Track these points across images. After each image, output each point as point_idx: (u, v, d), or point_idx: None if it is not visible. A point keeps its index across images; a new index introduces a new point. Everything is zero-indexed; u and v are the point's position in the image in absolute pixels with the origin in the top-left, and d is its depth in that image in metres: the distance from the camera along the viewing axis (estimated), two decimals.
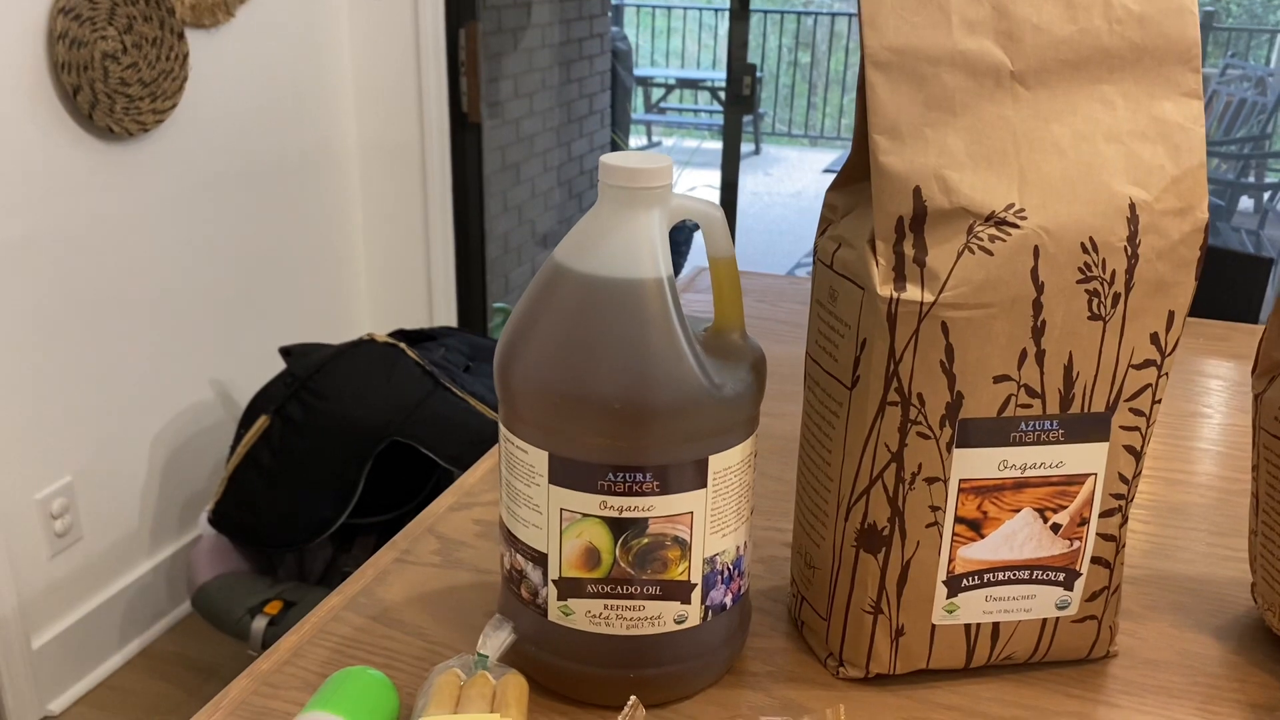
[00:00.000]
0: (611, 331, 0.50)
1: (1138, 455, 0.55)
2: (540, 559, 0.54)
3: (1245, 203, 5.31)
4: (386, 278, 2.61)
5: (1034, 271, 0.50)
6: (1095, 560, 0.56)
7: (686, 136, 7.43)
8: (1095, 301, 0.51)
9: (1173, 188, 0.52)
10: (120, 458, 1.98)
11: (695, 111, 7.61)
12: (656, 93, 7.57)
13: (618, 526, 0.51)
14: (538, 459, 0.52)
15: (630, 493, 0.51)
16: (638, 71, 7.57)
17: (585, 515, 0.51)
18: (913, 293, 0.50)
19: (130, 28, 1.79)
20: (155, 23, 1.84)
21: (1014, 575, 0.56)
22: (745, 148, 7.23)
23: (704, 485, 0.52)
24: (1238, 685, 0.59)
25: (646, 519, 0.51)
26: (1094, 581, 0.57)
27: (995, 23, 0.51)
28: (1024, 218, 0.50)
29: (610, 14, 4.28)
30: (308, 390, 1.80)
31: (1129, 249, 0.51)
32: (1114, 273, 0.51)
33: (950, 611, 0.56)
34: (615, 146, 4.53)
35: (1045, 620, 0.57)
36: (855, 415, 0.53)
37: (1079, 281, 0.51)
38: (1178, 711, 0.56)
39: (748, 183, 6.03)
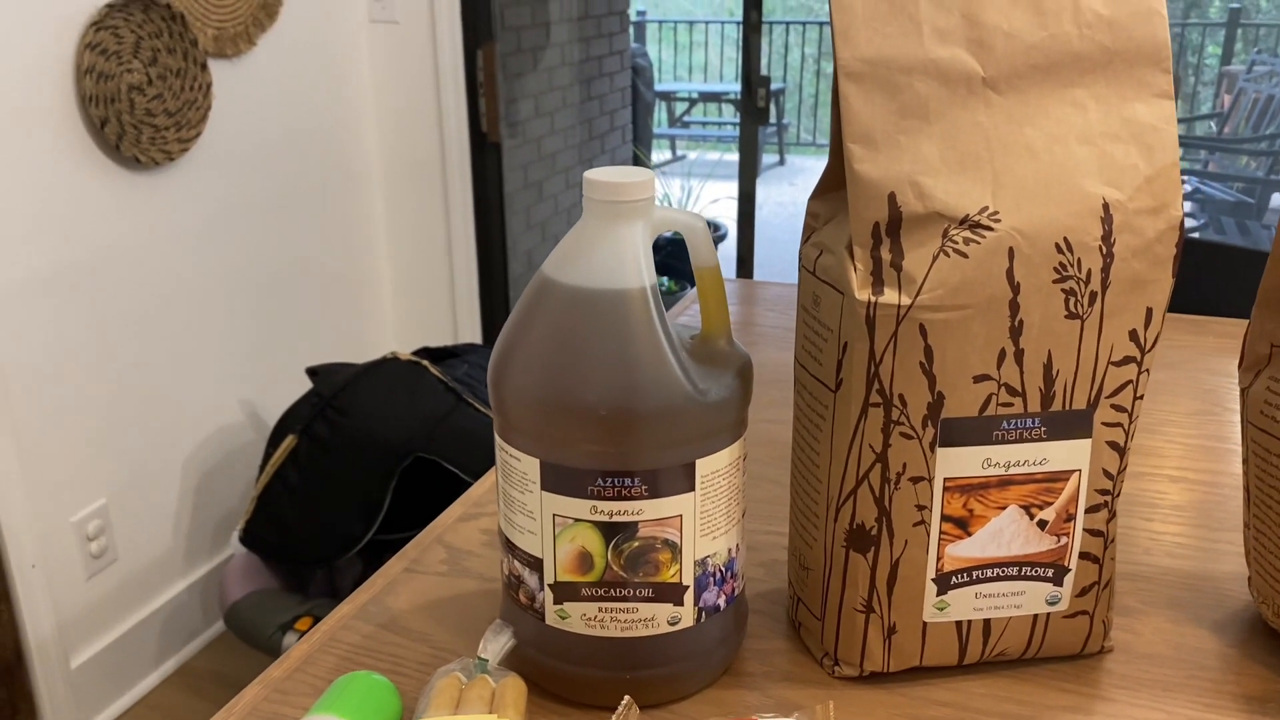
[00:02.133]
0: (597, 340, 0.52)
1: (1121, 451, 0.56)
2: (536, 564, 0.55)
3: (1277, 199, 5.24)
4: (411, 297, 2.64)
5: (1009, 272, 0.52)
6: (1084, 556, 0.57)
7: (710, 149, 7.46)
8: (1072, 300, 0.52)
9: (1146, 187, 0.53)
10: (153, 480, 2.02)
11: (719, 124, 7.63)
12: (680, 107, 7.60)
13: (609, 530, 0.53)
14: (530, 466, 0.53)
15: (619, 497, 0.52)
16: (661, 86, 7.61)
17: (577, 520, 0.53)
18: (890, 296, 0.52)
19: (155, 60, 1.84)
20: (179, 54, 1.89)
21: (1003, 572, 0.57)
22: (769, 159, 7.24)
23: (692, 489, 0.53)
24: (1234, 679, 0.59)
25: (636, 523, 0.53)
26: (1084, 577, 0.58)
27: (966, 31, 0.52)
28: (998, 220, 0.51)
29: (630, 31, 4.32)
30: (333, 409, 1.83)
31: (1104, 248, 0.52)
32: (1090, 272, 0.52)
33: (941, 609, 0.57)
34: (637, 161, 4.56)
35: (1036, 616, 0.58)
36: (840, 417, 0.55)
37: (1055, 281, 0.52)
38: (1172, 705, 0.57)
39: (772, 193, 6.04)
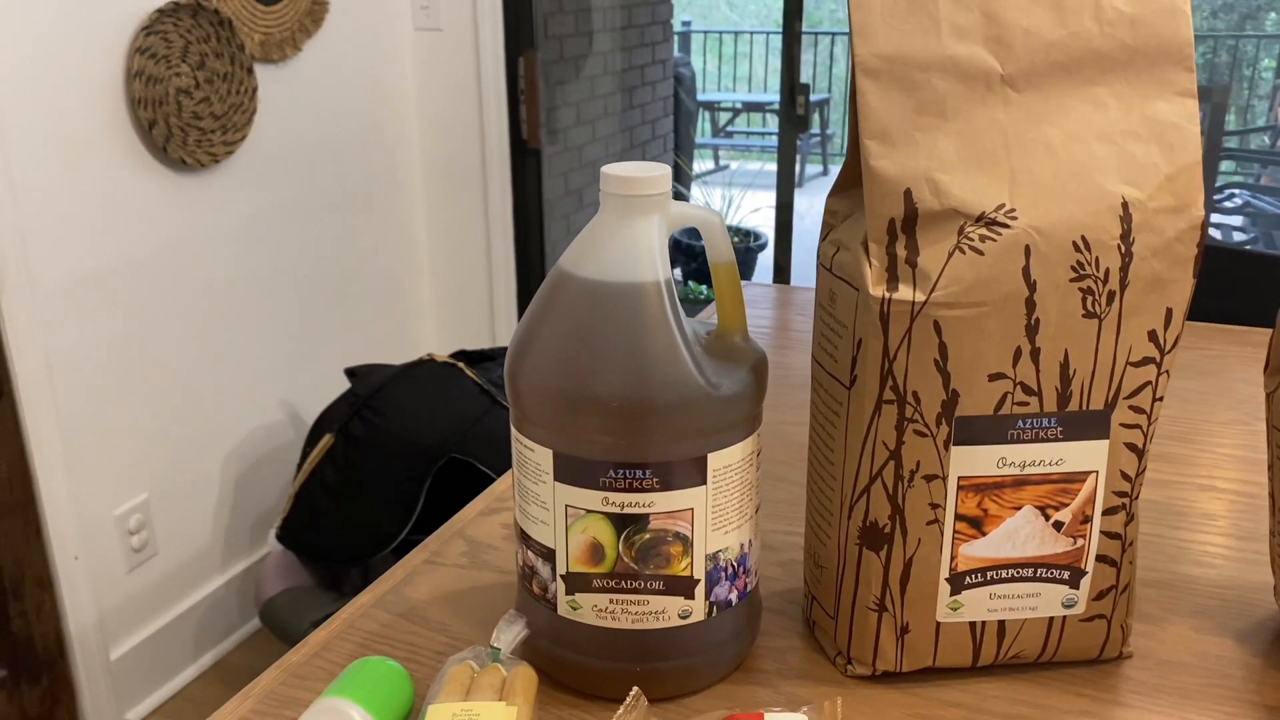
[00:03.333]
0: (611, 333, 0.52)
1: (1140, 453, 0.55)
2: (549, 555, 0.56)
3: None
4: (450, 300, 2.67)
5: (1026, 270, 0.51)
6: (1101, 559, 0.57)
7: (752, 159, 7.45)
8: (1089, 299, 0.52)
9: (1167, 185, 0.52)
10: (194, 476, 2.05)
11: (761, 135, 7.62)
12: (723, 117, 7.61)
13: (620, 522, 0.53)
14: (544, 457, 0.54)
15: (631, 489, 0.53)
16: (705, 96, 7.62)
17: (589, 511, 0.53)
18: (905, 293, 0.51)
19: (203, 64, 1.88)
20: (226, 59, 1.92)
21: (1017, 573, 0.56)
22: (813, 169, 7.22)
23: (704, 482, 0.53)
24: (1255, 688, 0.58)
25: (648, 515, 0.53)
26: (1100, 580, 0.57)
27: (985, 28, 0.52)
28: (1014, 217, 0.51)
29: (674, 41, 4.33)
30: (369, 409, 1.85)
31: (1122, 247, 0.52)
32: (1108, 271, 0.52)
33: (954, 609, 0.57)
34: (678, 170, 4.56)
35: (1052, 619, 0.58)
36: (854, 414, 0.55)
37: (1072, 280, 0.52)
38: (1190, 712, 0.56)
39: (815, 203, 6.02)
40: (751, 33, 8.39)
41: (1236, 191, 4.18)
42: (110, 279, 1.81)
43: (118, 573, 1.92)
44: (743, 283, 1.28)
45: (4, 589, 1.71)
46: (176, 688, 2.06)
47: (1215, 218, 3.57)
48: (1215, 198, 3.59)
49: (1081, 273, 0.52)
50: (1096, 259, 0.52)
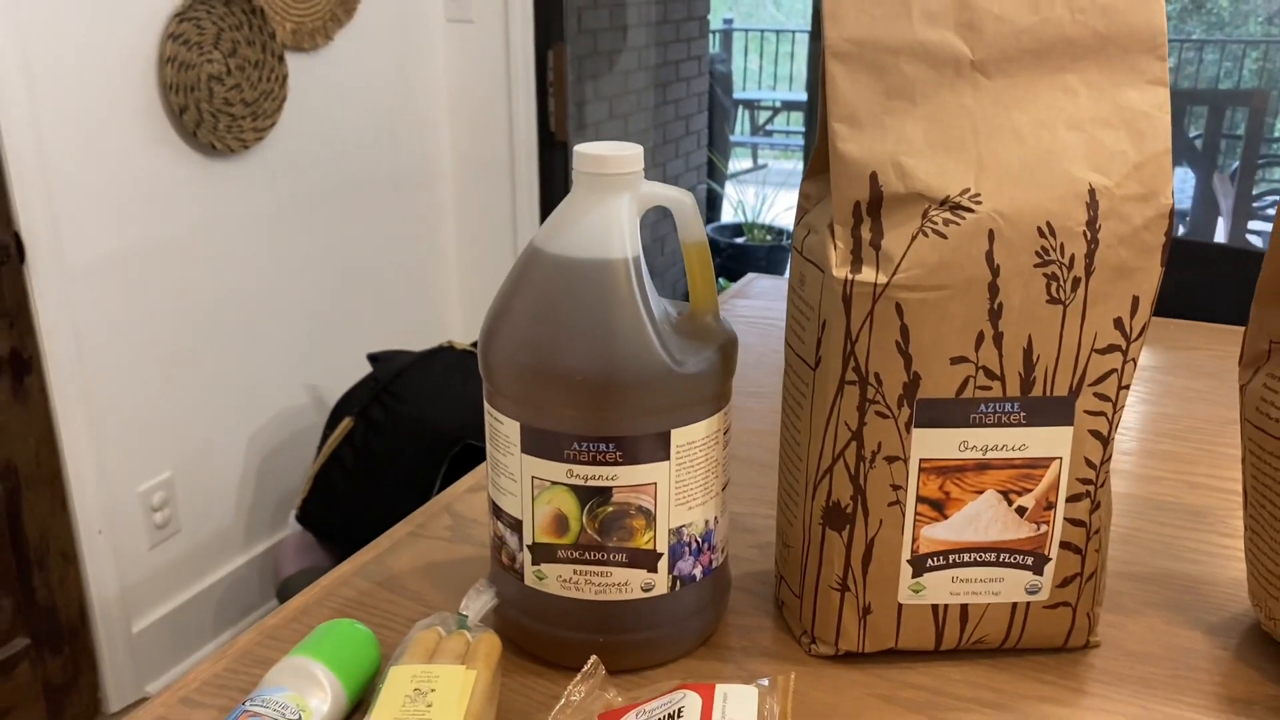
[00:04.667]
0: (579, 308, 0.53)
1: (1105, 440, 0.55)
2: (517, 525, 0.57)
3: None
4: (475, 289, 2.69)
5: (989, 255, 0.52)
6: (1065, 545, 0.57)
7: (791, 158, 7.43)
8: (1054, 285, 0.52)
9: (1135, 174, 0.52)
10: (217, 455, 2.09)
11: (801, 134, 7.59)
12: (763, 115, 7.59)
13: (584, 494, 0.54)
14: (511, 429, 0.55)
15: (595, 462, 0.54)
16: (745, 94, 7.60)
17: (554, 483, 0.54)
18: (867, 274, 0.52)
19: (235, 51, 1.91)
20: (258, 46, 1.95)
21: (980, 557, 0.56)
22: None
23: (667, 458, 0.54)
24: (1221, 680, 0.58)
25: (610, 488, 0.54)
26: (1065, 567, 0.57)
27: (956, 14, 0.53)
28: (979, 202, 0.51)
29: (712, 38, 4.33)
30: (389, 394, 1.87)
31: (1088, 234, 0.52)
32: (1073, 257, 0.52)
33: (916, 591, 0.57)
34: (712, 167, 4.56)
35: (1016, 605, 0.58)
36: (819, 395, 0.55)
37: (1036, 265, 0.52)
38: (1152, 702, 0.56)
39: None
40: (794, 32, 8.36)
41: (1276, 198, 4.11)
42: (139, 260, 1.85)
43: (140, 548, 1.96)
44: (767, 276, 1.29)
45: (29, 560, 1.76)
46: (195, 662, 2.09)
47: (1254, 224, 3.51)
48: (1255, 204, 3.54)
49: (1046, 258, 0.52)
50: (1061, 245, 0.52)
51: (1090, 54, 0.53)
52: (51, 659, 1.83)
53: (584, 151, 0.54)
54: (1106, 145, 0.52)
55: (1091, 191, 0.52)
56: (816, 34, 2.34)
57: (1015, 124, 0.52)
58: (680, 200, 0.56)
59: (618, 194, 0.54)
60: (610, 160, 0.54)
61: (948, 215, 0.51)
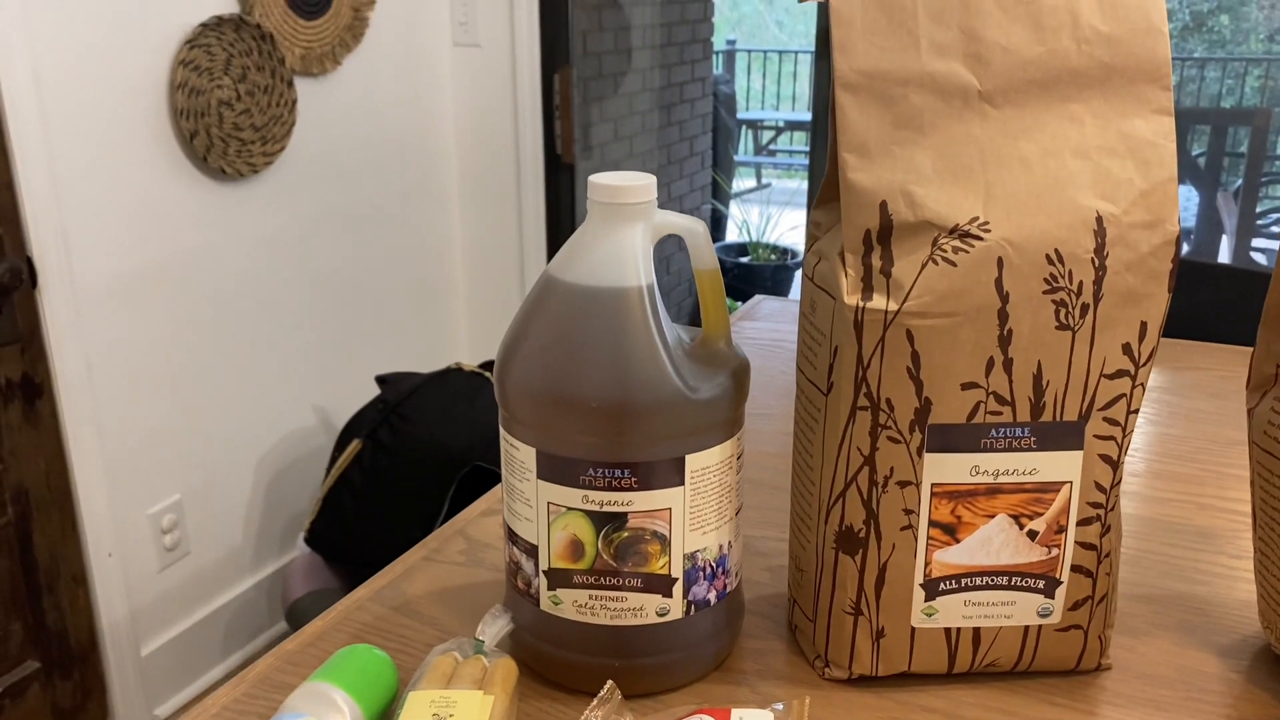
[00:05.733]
0: (594, 336, 0.54)
1: (1114, 465, 0.56)
2: (533, 551, 0.57)
3: None
4: (483, 311, 2.70)
5: (998, 282, 0.52)
6: (1076, 569, 0.57)
7: (793, 177, 7.46)
8: (1063, 312, 0.53)
9: (1141, 201, 0.53)
10: (227, 478, 2.10)
11: (804, 153, 7.63)
12: (766, 135, 7.62)
13: (599, 520, 0.55)
14: (528, 455, 0.56)
15: (610, 487, 0.54)
16: (749, 115, 7.64)
17: (570, 509, 0.55)
18: (878, 301, 0.53)
19: (244, 77, 1.93)
20: (267, 72, 1.97)
21: (992, 581, 0.57)
22: None
23: (681, 483, 0.55)
24: (1232, 703, 0.58)
25: (626, 513, 0.55)
26: (1076, 590, 0.58)
27: (964, 45, 0.53)
28: (988, 230, 0.52)
29: (715, 59, 4.36)
30: (397, 416, 1.88)
31: (1096, 261, 0.53)
32: (1081, 284, 0.53)
33: (929, 615, 0.58)
34: (716, 187, 4.58)
35: (1028, 628, 0.58)
36: (831, 420, 0.56)
37: (1045, 292, 0.53)
38: None
39: None
40: (797, 52, 8.40)
41: None
42: (149, 284, 1.86)
43: (150, 571, 1.96)
44: (774, 298, 1.30)
45: (39, 584, 1.76)
46: (204, 685, 2.10)
47: (1259, 242, 3.52)
48: (1259, 222, 3.54)
49: (1054, 285, 0.53)
50: (1070, 272, 0.53)
51: (1096, 84, 0.54)
52: (61, 682, 1.83)
53: (598, 182, 0.55)
54: (1113, 173, 0.53)
55: (1099, 219, 0.53)
56: (820, 54, 2.36)
57: (1023, 153, 0.53)
58: (693, 229, 0.57)
59: (631, 223, 0.55)
60: (624, 190, 0.54)
61: (957, 243, 0.52)
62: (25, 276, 1.65)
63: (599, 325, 0.54)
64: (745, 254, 4.77)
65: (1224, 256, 3.58)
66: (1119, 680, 0.60)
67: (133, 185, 1.80)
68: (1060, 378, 0.54)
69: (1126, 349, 0.54)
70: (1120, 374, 0.54)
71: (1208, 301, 1.36)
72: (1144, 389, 0.55)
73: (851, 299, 0.53)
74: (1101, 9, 0.53)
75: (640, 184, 0.55)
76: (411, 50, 2.40)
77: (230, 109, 1.92)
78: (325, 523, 1.93)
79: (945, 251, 0.52)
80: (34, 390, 1.70)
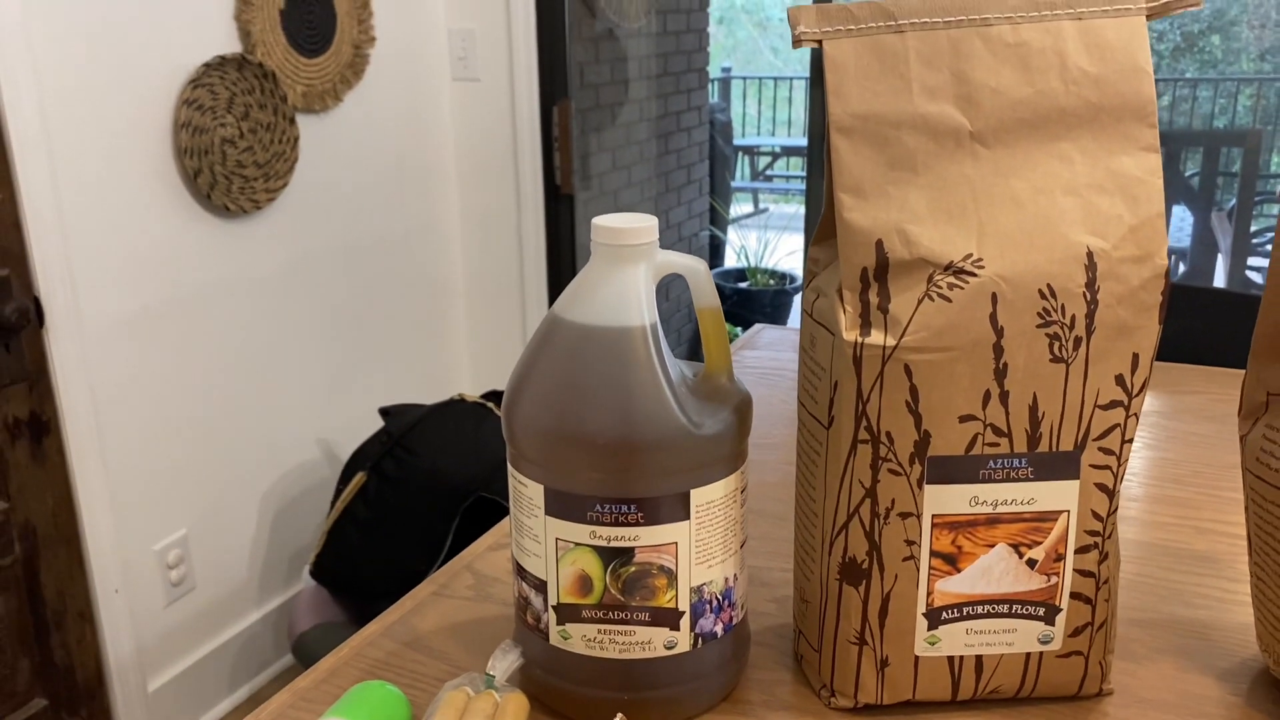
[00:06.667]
0: (599, 374, 0.55)
1: (1110, 493, 0.57)
2: (541, 586, 0.58)
3: None
4: (485, 342, 2.72)
5: (993, 317, 0.54)
6: (1075, 596, 0.58)
7: (790, 203, 7.50)
8: (1056, 345, 0.54)
9: (1131, 236, 0.54)
10: (232, 512, 2.11)
11: (801, 178, 7.68)
12: (762, 161, 7.68)
13: (607, 555, 0.56)
14: (536, 492, 0.57)
15: (617, 523, 0.55)
16: (744, 141, 7.70)
17: (577, 544, 0.56)
18: (876, 337, 0.54)
19: (247, 115, 1.96)
20: (270, 109, 2.00)
21: (993, 609, 0.58)
22: None
23: (687, 517, 0.56)
24: None
25: (633, 548, 0.56)
26: (1076, 617, 0.59)
27: (955, 88, 0.55)
28: (981, 266, 0.54)
29: (711, 87, 4.39)
30: (402, 448, 1.89)
31: (1088, 295, 0.54)
32: (1074, 317, 0.54)
33: (932, 643, 0.59)
34: (714, 213, 4.61)
35: (1029, 655, 0.59)
36: (832, 453, 0.57)
37: (1039, 326, 0.54)
38: None
39: None
40: (792, 79, 8.47)
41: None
42: (154, 321, 1.88)
43: (156, 606, 1.96)
44: (774, 326, 1.31)
45: (47, 621, 1.77)
46: None
47: (1255, 261, 3.54)
48: (1254, 241, 3.57)
49: (1048, 319, 0.54)
50: (1062, 306, 0.54)
51: (1084, 123, 0.55)
52: (69, 719, 1.83)
53: (601, 224, 0.56)
54: (1102, 210, 0.55)
55: (1089, 254, 0.54)
56: (814, 80, 2.39)
57: (1014, 191, 0.55)
58: (694, 269, 0.58)
59: (634, 264, 0.57)
60: (626, 233, 0.56)
61: (952, 280, 0.54)
62: (32, 316, 1.67)
63: (604, 364, 0.55)
64: (744, 279, 4.79)
65: (1220, 276, 3.60)
66: (1120, 705, 0.61)
67: (138, 224, 1.82)
68: (1055, 409, 0.55)
69: (1119, 380, 0.55)
70: (1114, 404, 0.55)
71: (1203, 326, 1.37)
72: (1138, 419, 0.56)
73: (850, 335, 0.54)
74: (1088, 50, 0.55)
75: (642, 226, 0.56)
76: (412, 86, 2.43)
77: (233, 146, 1.94)
78: (330, 555, 1.94)
79: (941, 288, 0.54)
80: (41, 428, 1.72)
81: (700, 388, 0.58)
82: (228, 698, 2.14)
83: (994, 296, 0.53)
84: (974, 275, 0.54)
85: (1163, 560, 0.77)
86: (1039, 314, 0.54)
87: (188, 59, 1.86)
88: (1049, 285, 0.54)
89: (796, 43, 0.56)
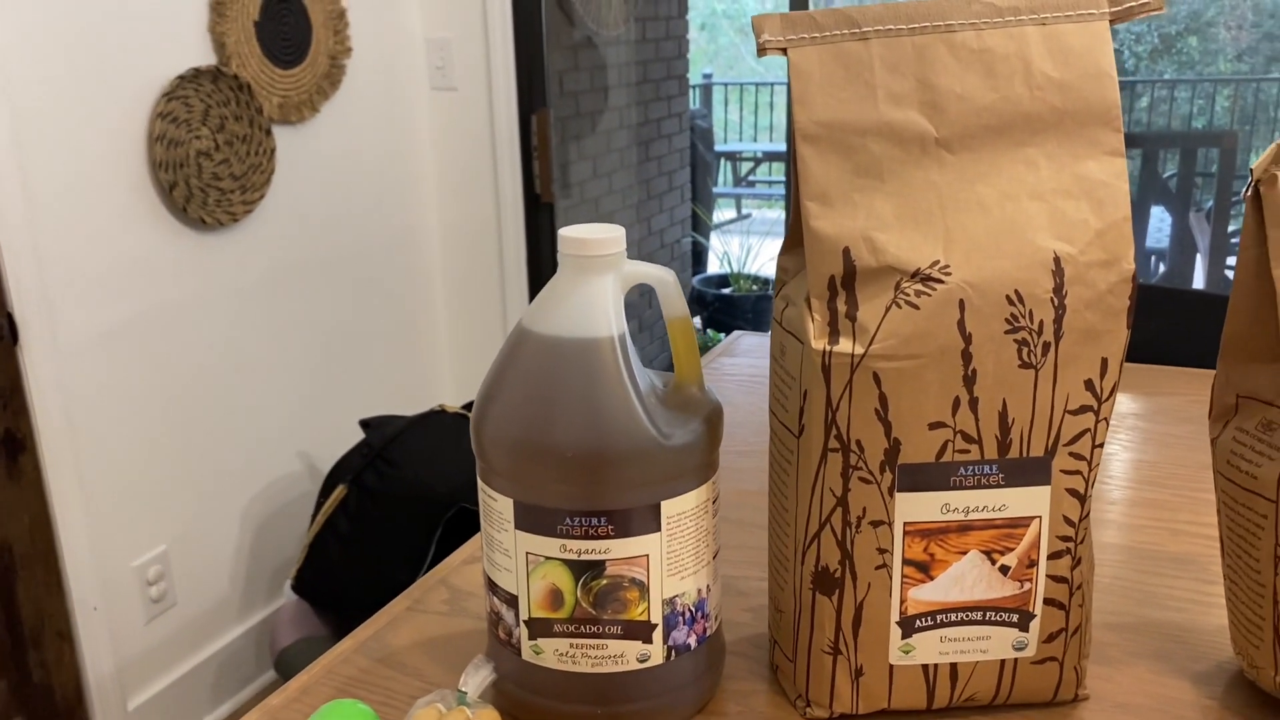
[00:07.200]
0: (567, 386, 0.55)
1: (1081, 498, 0.57)
2: (513, 601, 0.58)
3: None
4: (466, 352, 2.71)
5: (961, 323, 0.54)
6: (1049, 602, 0.58)
7: (772, 207, 7.52)
8: (1025, 350, 0.54)
9: (1097, 241, 0.54)
10: (212, 527, 2.09)
11: (783, 183, 7.69)
12: (744, 166, 7.69)
13: (578, 568, 0.55)
14: (505, 506, 0.56)
15: (587, 536, 0.55)
16: (726, 146, 7.71)
17: (548, 558, 0.56)
18: (845, 345, 0.54)
19: (222, 127, 1.95)
20: (245, 121, 1.99)
21: (966, 616, 0.58)
22: None
23: (658, 529, 0.56)
24: None
25: (604, 561, 0.55)
26: (1050, 623, 0.58)
27: (919, 94, 0.55)
28: (948, 273, 0.53)
29: (692, 94, 4.40)
30: (382, 460, 1.88)
31: (1055, 300, 0.54)
32: (1042, 323, 0.54)
33: (906, 652, 0.58)
34: (696, 220, 4.61)
35: (1004, 662, 0.59)
36: (803, 462, 0.57)
37: (1007, 332, 0.54)
38: None
39: None
40: (773, 84, 8.49)
41: None
42: (130, 337, 1.87)
43: (136, 623, 1.95)
44: (752, 333, 1.31)
45: (25, 640, 1.75)
46: None
47: (1232, 259, 3.56)
48: (1232, 241, 3.59)
49: (1016, 325, 0.54)
50: (1030, 311, 0.54)
51: (1049, 128, 0.55)
52: None
53: (568, 235, 0.56)
54: (1068, 215, 0.55)
55: (1056, 259, 0.54)
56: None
57: (980, 197, 0.55)
58: (662, 279, 0.58)
59: (601, 274, 0.56)
60: (592, 243, 0.56)
61: (919, 287, 0.53)
62: (6, 333, 1.66)
63: (572, 376, 0.55)
64: (727, 285, 4.80)
65: (1198, 276, 3.63)
66: (1096, 710, 0.61)
67: (113, 237, 1.81)
68: (1025, 415, 0.55)
69: (1089, 385, 0.55)
70: (1084, 409, 0.55)
71: (1180, 327, 1.38)
72: (1108, 423, 0.56)
73: (819, 343, 0.54)
74: (1052, 56, 0.55)
75: (609, 236, 0.56)
76: (389, 96, 2.42)
77: (209, 159, 1.93)
78: (312, 569, 1.92)
79: (908, 295, 0.53)
80: (16, 446, 1.70)
81: (671, 398, 0.58)
82: (210, 714, 2.12)
83: (961, 303, 0.53)
84: (941, 282, 0.53)
85: (1138, 563, 0.77)
86: (1007, 320, 0.54)
87: (161, 71, 1.85)
88: (1016, 291, 0.54)
89: (761, 51, 0.56)
